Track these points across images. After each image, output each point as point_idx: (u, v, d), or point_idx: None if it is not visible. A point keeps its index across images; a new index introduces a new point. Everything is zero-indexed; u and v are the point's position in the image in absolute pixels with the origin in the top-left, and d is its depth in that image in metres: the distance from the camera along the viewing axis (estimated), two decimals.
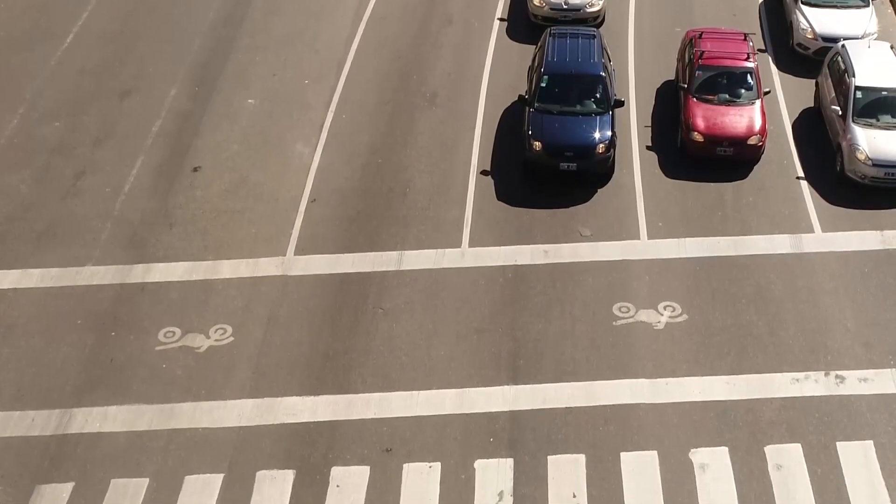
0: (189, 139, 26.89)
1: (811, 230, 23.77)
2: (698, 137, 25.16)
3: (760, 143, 25.22)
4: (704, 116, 25.35)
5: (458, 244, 23.62)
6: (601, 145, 24.53)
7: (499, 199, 24.70)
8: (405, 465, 19.03)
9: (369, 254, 23.44)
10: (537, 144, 24.63)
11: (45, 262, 23.40)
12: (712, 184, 25.09)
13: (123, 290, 22.69)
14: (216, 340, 21.48)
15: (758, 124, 25.28)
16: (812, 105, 27.60)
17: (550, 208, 24.41)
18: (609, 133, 24.74)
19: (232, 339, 21.53)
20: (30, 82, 28.83)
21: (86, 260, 23.46)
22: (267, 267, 23.16)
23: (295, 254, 23.48)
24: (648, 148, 26.25)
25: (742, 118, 25.36)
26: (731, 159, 25.36)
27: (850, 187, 24.84)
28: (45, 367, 20.95)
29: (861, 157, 24.40)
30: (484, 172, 25.47)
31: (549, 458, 19.10)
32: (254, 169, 25.91)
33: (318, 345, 21.36)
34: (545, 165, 24.79)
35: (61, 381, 20.71)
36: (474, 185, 25.11)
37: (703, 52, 26.27)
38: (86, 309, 22.24)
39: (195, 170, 25.89)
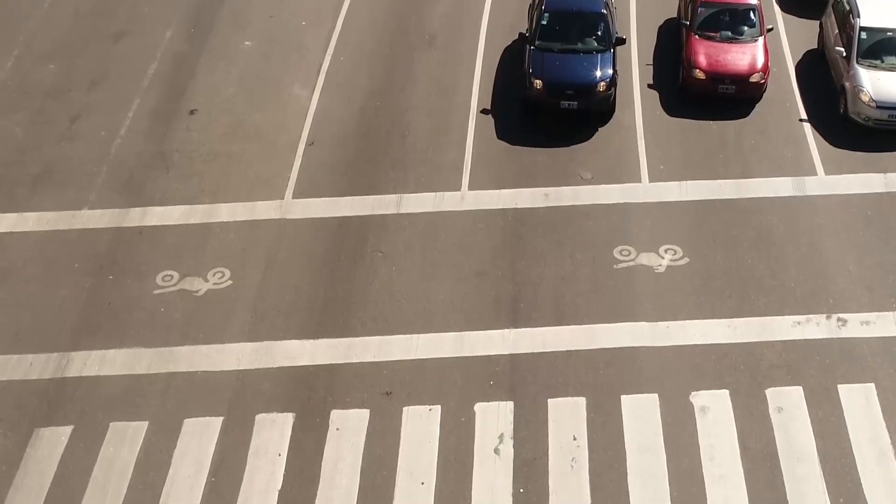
0: (185, 82, 26.57)
1: (814, 173, 23.55)
2: (700, 75, 24.88)
3: (763, 81, 24.94)
4: (706, 54, 25.08)
5: (457, 187, 23.41)
6: (602, 83, 24.28)
7: (499, 138, 24.43)
8: (405, 409, 18.97)
9: (368, 197, 23.24)
10: (538, 83, 24.37)
11: (41, 206, 23.19)
12: (714, 123, 24.84)
13: (120, 234, 22.50)
14: (214, 284, 21.34)
15: (760, 62, 24.99)
16: (815, 47, 27.26)
17: (551, 148, 24.16)
18: (610, 71, 24.48)
19: (230, 282, 21.38)
20: (24, 25, 28.43)
21: (82, 203, 23.25)
22: (265, 210, 22.97)
23: (293, 197, 23.28)
24: (650, 86, 25.98)
25: (744, 55, 25.07)
26: (733, 97, 25.12)
27: (853, 129, 24.59)
28: (43, 311, 20.82)
29: (865, 98, 24.13)
30: (484, 111, 25.22)
31: (550, 401, 19.03)
32: (251, 112, 25.62)
33: (316, 288, 21.21)
34: (546, 104, 24.54)
35: (59, 324, 20.58)
36: (474, 128, 24.85)
37: None
38: (83, 253, 22.07)
39: (192, 112, 25.60)
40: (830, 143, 24.30)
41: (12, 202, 23.27)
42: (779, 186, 23.23)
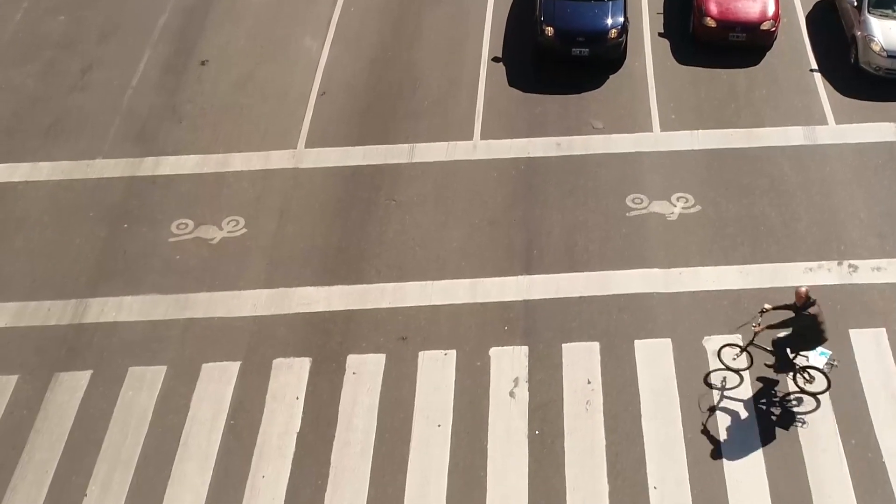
0: (195, 34, 26.57)
1: (825, 122, 23.60)
2: (711, 23, 24.89)
3: (773, 29, 24.95)
4: (717, 1, 25.09)
5: (469, 137, 23.48)
6: (613, 31, 24.31)
7: (511, 86, 24.47)
8: (420, 353, 19.15)
9: (380, 146, 23.30)
10: (549, 30, 24.40)
11: (55, 156, 23.29)
12: (724, 72, 24.86)
13: (134, 183, 22.60)
14: (229, 232, 21.46)
15: (771, 9, 24.99)
16: None
17: (562, 96, 24.21)
18: (621, 18, 24.50)
19: (245, 230, 21.51)
20: None
21: (95, 153, 23.33)
22: (278, 160, 23.05)
23: (306, 146, 23.35)
24: (660, 35, 25.98)
25: (755, 3, 25.08)
26: (744, 46, 25.14)
27: (864, 79, 24.61)
28: (59, 259, 20.96)
29: (876, 48, 24.13)
30: (495, 59, 25.24)
31: (564, 345, 19.20)
32: (262, 63, 25.64)
33: (331, 236, 21.34)
34: (557, 51, 24.59)
35: (76, 272, 20.73)
36: (485, 78, 24.88)
37: None
38: (97, 202, 22.18)
39: (202, 64, 25.62)
40: (841, 93, 24.34)
41: (26, 152, 23.36)
42: (790, 135, 23.28)
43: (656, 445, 17.58)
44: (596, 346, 19.17)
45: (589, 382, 18.59)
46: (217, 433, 18.02)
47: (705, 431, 17.70)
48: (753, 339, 18.15)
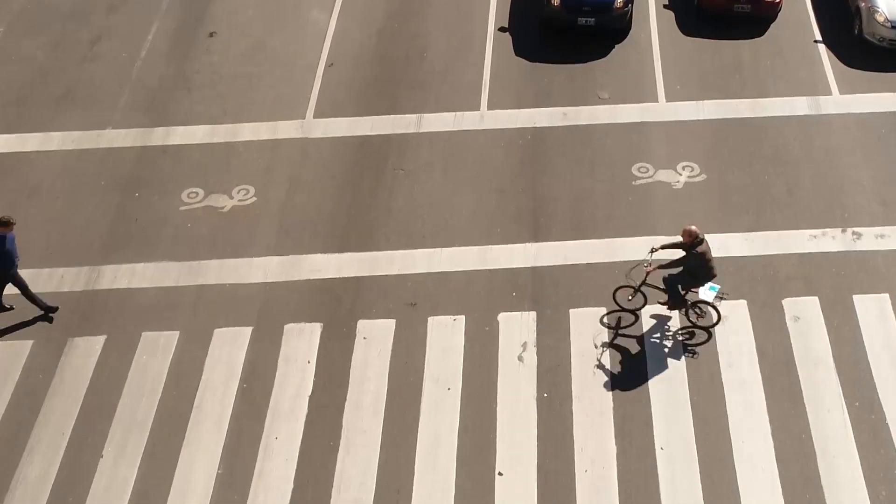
0: (203, 5, 26.73)
1: (829, 92, 23.80)
2: None
3: (778, 0, 25.10)
4: None
5: (476, 107, 23.68)
6: (619, 0, 24.48)
7: (517, 55, 24.65)
8: (430, 319, 19.40)
9: (388, 117, 23.51)
10: (555, 0, 24.59)
11: (66, 126, 23.50)
12: (729, 43, 25.04)
13: (145, 153, 22.82)
14: (239, 200, 21.69)
15: None
16: None
17: (568, 65, 24.40)
18: None
19: (255, 199, 21.74)
20: None
21: (106, 123, 23.54)
22: (287, 130, 23.26)
23: (314, 117, 23.56)
24: (665, 7, 26.18)
25: None
26: (749, 16, 25.32)
27: (867, 50, 24.80)
28: (72, 227, 21.19)
29: (880, 19, 24.30)
30: (502, 29, 25.43)
31: (571, 311, 19.46)
32: (270, 34, 25.81)
33: (340, 205, 21.57)
34: (563, 21, 24.78)
35: (88, 239, 20.97)
36: (492, 48, 25.08)
37: None
38: (108, 171, 22.40)
39: (211, 35, 25.80)
40: (845, 64, 24.52)
41: (37, 122, 23.57)
42: (794, 106, 23.48)
43: (663, 408, 17.86)
44: (603, 311, 19.42)
45: (597, 346, 18.85)
46: (230, 396, 18.29)
47: (712, 394, 17.96)
48: (646, 279, 18.85)
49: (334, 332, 19.25)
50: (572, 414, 17.85)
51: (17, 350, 19.03)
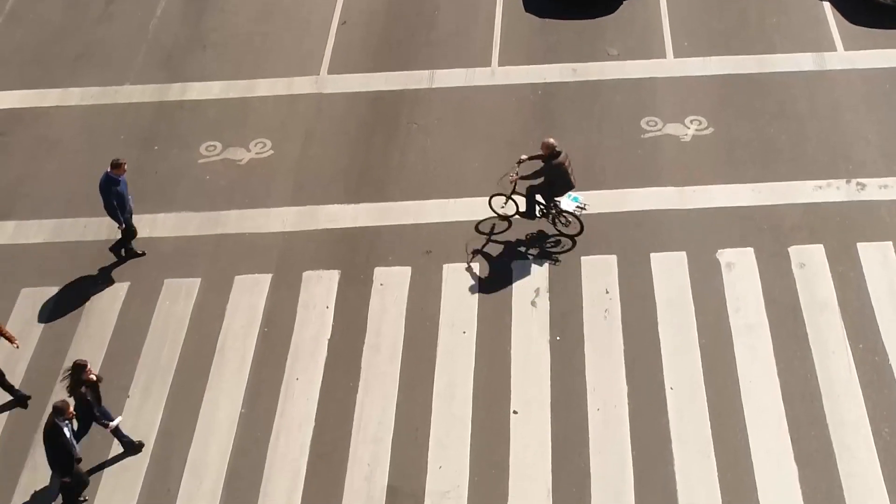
0: None
1: (834, 49, 24.18)
2: None
3: None
4: None
5: (487, 63, 24.09)
6: None
7: (527, 12, 25.05)
8: (444, 266, 19.90)
9: (401, 73, 23.93)
10: None
11: (84, 83, 23.94)
12: (735, 0, 25.40)
13: (162, 108, 23.26)
14: (257, 154, 22.15)
15: None
16: None
17: (577, 21, 24.80)
18: None
19: (272, 152, 22.19)
20: None
21: (123, 80, 23.98)
22: (301, 86, 23.68)
23: (328, 73, 23.98)
24: None
25: None
26: None
27: (872, 8, 25.10)
28: (93, 179, 21.47)
29: None
30: None
31: (583, 258, 19.95)
32: None
33: (355, 157, 22.03)
34: None
35: None
36: (501, 5, 25.46)
37: None
38: (127, 125, 22.84)
39: None
40: (849, 21, 24.87)
41: (56, 79, 24.01)
42: (799, 62, 23.87)
43: (672, 350, 18.38)
44: (613, 258, 19.92)
45: (607, 292, 19.36)
46: (251, 340, 18.81)
47: (719, 338, 18.47)
48: (514, 188, 19.91)
49: (352, 279, 19.75)
50: (584, 356, 18.37)
51: (43, 296, 19.53)
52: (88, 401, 16.21)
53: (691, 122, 22.51)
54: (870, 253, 19.87)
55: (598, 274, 19.66)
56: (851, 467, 16.72)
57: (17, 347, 17.72)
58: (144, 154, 22.19)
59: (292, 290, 19.59)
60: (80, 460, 16.20)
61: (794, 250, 19.93)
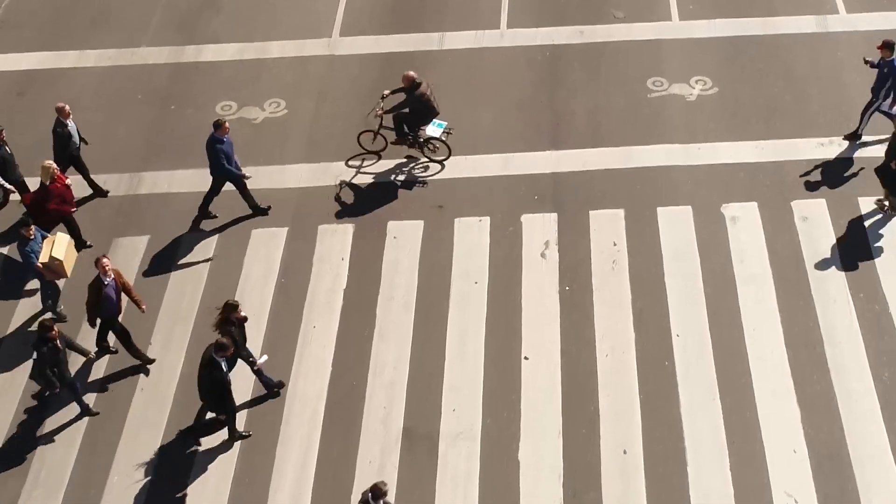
0: None
1: (836, 11, 24.61)
2: None
3: None
4: None
5: (497, 26, 24.53)
6: None
7: None
8: (456, 220, 20.42)
9: (411, 35, 24.38)
10: None
11: (101, 45, 24.39)
12: None
13: (178, 69, 23.72)
14: (271, 113, 22.62)
15: None
16: None
17: None
18: None
19: (286, 111, 22.68)
20: None
21: (139, 42, 24.44)
22: (314, 47, 24.14)
23: (340, 35, 24.42)
24: None
25: None
26: None
27: None
28: (111, 138, 22.17)
29: None
30: None
31: (591, 212, 20.46)
32: None
33: (367, 117, 22.49)
34: None
35: (128, 149, 21.95)
36: None
37: None
38: (144, 86, 23.31)
39: None
40: None
41: (73, 41, 24.48)
42: (802, 24, 24.30)
43: (678, 299, 18.90)
44: (621, 212, 20.43)
45: (615, 244, 19.87)
46: (269, 290, 19.33)
47: (724, 288, 18.97)
48: (382, 123, 21.00)
49: (365, 232, 20.27)
50: (593, 305, 18.89)
51: None
52: (235, 340, 16.63)
53: (696, 82, 22.97)
54: (870, 207, 20.35)
55: (606, 227, 20.18)
56: (852, 410, 17.26)
57: (144, 312, 18.15)
58: (161, 113, 22.69)
59: (308, 242, 20.11)
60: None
61: (796, 204, 20.43)
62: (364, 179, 21.21)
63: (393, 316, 18.89)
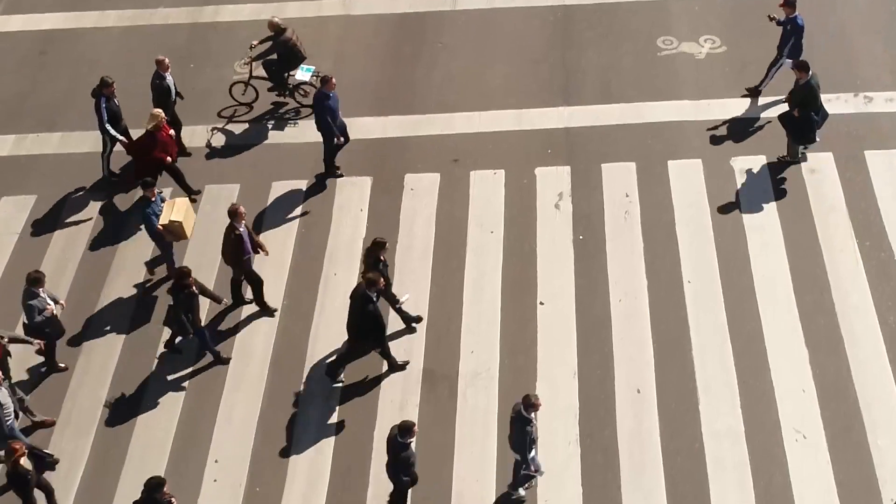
0: None
1: None
2: None
3: None
4: None
5: None
6: None
7: None
8: (472, 172, 20.92)
9: None
10: None
11: (120, 5, 24.83)
12: None
13: (196, 29, 24.18)
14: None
15: None
16: None
17: None
18: None
19: None
20: None
21: (157, 3, 24.86)
22: (330, 7, 24.61)
23: None
24: None
25: None
26: None
27: None
28: (133, 94, 22.48)
29: None
30: None
31: (603, 165, 20.96)
32: None
33: (383, 74, 23.02)
34: None
35: (150, 105, 22.33)
36: None
37: None
38: (163, 45, 23.73)
39: None
40: None
41: (92, 2, 24.88)
42: None
43: (689, 248, 19.42)
44: (633, 165, 20.93)
45: (627, 196, 20.38)
46: (290, 240, 19.85)
47: (734, 236, 19.47)
48: (252, 73, 21.76)
49: (383, 184, 20.77)
50: (606, 253, 19.41)
51: (92, 197, 20.57)
52: (384, 275, 17.07)
53: (705, 41, 23.43)
54: (876, 159, 20.86)
55: (618, 179, 20.68)
56: (859, 352, 17.79)
57: (267, 254, 18.63)
58: (181, 72, 23.08)
59: (327, 194, 20.62)
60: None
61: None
62: (380, 135, 21.66)
63: (411, 263, 19.40)
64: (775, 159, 20.74)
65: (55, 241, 19.99)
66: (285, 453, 16.91)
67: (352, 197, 20.58)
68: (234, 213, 17.72)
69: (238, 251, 17.83)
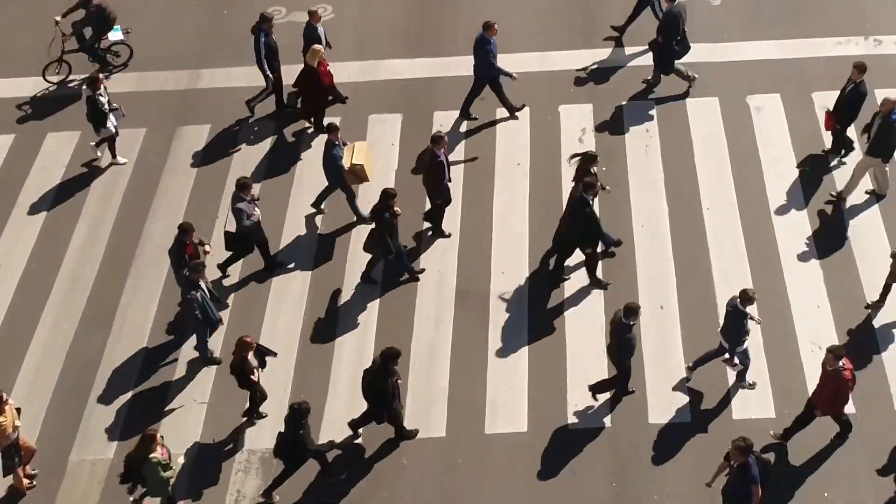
0: None
1: None
2: None
3: None
4: None
5: None
6: None
7: None
8: (497, 109, 21.77)
9: None
10: None
11: None
12: None
13: None
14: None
15: None
16: None
17: None
18: None
19: (333, 15, 24.02)
20: None
21: None
22: None
23: None
24: None
25: None
26: None
27: None
28: (169, 39, 23.53)
29: None
30: None
31: (624, 103, 21.82)
32: None
33: (409, 20, 23.90)
34: None
35: (185, 49, 23.32)
36: None
37: None
38: None
39: None
40: None
41: None
42: None
43: (708, 177, 20.29)
44: (652, 103, 21.78)
45: (647, 131, 21.25)
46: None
47: (751, 168, 20.31)
48: (64, 48, 22.15)
49: (413, 121, 21.64)
50: (628, 183, 20.29)
51: (134, 136, 21.48)
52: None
53: None
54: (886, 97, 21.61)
55: (638, 116, 21.54)
56: (870, 271, 18.63)
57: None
58: (215, 18, 24.04)
59: (359, 129, 21.48)
60: (620, 243, 18.91)
61: (817, 96, 21.77)
62: (409, 76, 22.50)
63: None
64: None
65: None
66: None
67: (384, 132, 21.47)
68: (437, 140, 18.52)
69: (441, 178, 18.61)
